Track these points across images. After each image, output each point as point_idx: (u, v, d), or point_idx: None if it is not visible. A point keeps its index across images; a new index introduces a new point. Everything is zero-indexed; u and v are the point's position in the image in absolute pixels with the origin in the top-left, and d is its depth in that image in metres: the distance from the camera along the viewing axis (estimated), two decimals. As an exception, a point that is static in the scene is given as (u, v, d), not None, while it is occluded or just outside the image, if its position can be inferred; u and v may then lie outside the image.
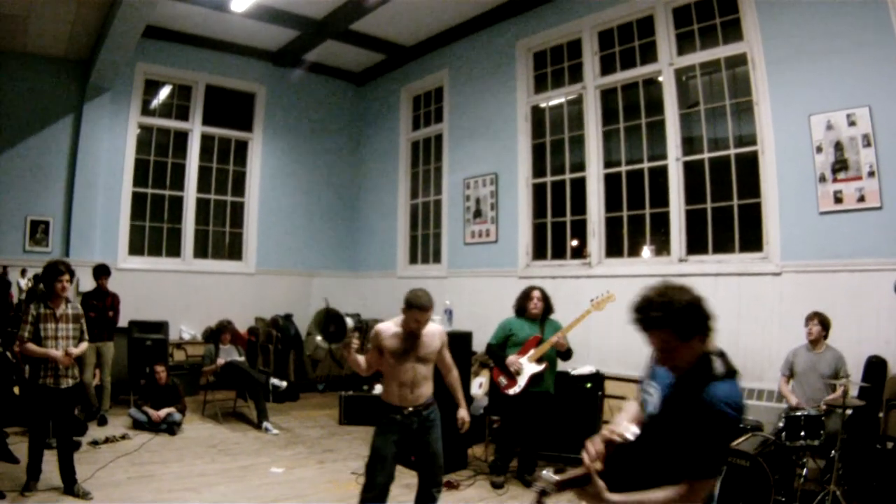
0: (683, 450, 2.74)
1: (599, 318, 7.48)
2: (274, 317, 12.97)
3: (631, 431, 2.96)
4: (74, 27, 10.33)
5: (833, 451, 5.88)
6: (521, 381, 7.27)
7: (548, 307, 7.64)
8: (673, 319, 2.78)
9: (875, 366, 6.60)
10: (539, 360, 7.29)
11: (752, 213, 8.16)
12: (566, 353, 7.45)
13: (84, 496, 6.31)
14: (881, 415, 6.48)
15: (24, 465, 6.41)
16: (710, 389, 2.74)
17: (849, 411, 5.93)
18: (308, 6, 11.31)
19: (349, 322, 5.89)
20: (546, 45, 10.87)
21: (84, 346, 6.66)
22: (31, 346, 6.20)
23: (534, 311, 7.53)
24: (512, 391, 7.30)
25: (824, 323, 6.72)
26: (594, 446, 2.98)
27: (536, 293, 7.61)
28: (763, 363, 7.65)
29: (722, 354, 2.88)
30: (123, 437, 8.51)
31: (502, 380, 7.42)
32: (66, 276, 6.43)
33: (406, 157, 13.89)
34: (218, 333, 10.37)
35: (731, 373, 2.82)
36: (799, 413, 6.13)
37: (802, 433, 6.00)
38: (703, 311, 2.81)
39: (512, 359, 7.35)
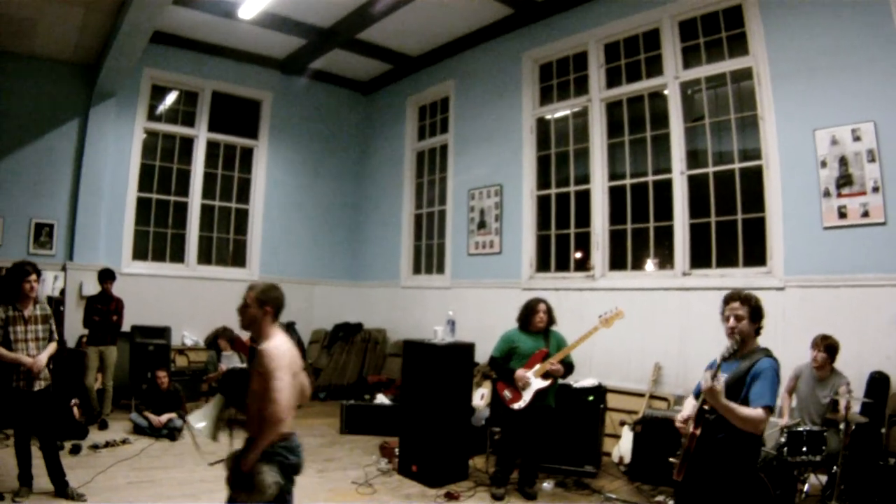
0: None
1: (602, 331, 7.43)
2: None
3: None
4: (82, 32, 10.36)
5: (835, 468, 5.85)
6: (527, 396, 7.15)
7: (551, 319, 7.55)
8: None
9: (877, 381, 6.58)
10: (545, 376, 7.19)
11: (755, 227, 8.15)
12: (567, 371, 7.36)
13: (78, 498, 6.31)
14: (884, 430, 6.45)
15: (16, 473, 6.37)
16: None
17: (852, 427, 5.90)
18: (315, 15, 11.33)
19: None
20: (552, 58, 10.89)
21: (53, 346, 6.55)
22: (1, 351, 6.12)
23: (539, 324, 7.42)
24: (517, 405, 7.18)
25: (830, 349, 6.57)
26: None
27: (542, 306, 7.47)
28: (766, 378, 7.63)
29: None
30: (124, 441, 8.50)
31: (507, 393, 7.29)
32: (34, 276, 6.36)
33: (411, 167, 13.90)
34: (215, 340, 10.37)
35: None
36: (801, 428, 6.11)
37: (804, 448, 5.98)
38: None
39: (521, 373, 7.20)
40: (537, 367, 7.20)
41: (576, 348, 7.33)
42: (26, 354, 6.23)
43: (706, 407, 4.10)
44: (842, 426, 5.86)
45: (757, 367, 4.10)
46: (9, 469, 6.69)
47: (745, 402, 4.00)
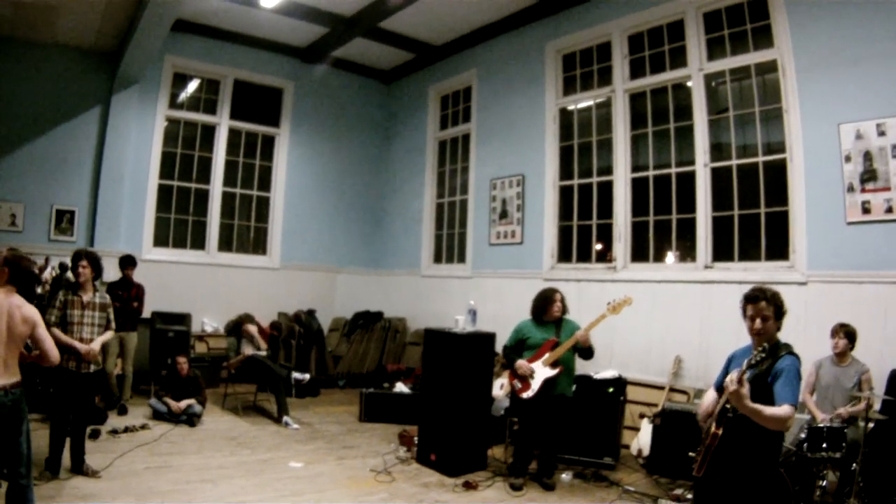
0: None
1: (622, 323, 7.41)
2: (297, 312, 13.01)
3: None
4: (104, 19, 10.40)
5: (854, 465, 5.82)
6: (535, 385, 7.16)
7: (564, 308, 7.53)
8: None
9: (899, 379, 6.52)
10: (554, 364, 7.19)
11: (779, 221, 8.08)
12: (587, 352, 7.33)
13: (92, 475, 6.44)
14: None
15: (44, 456, 6.40)
16: None
17: (871, 424, 5.86)
18: (337, 3, 11.34)
19: None
20: (575, 48, 10.83)
21: (109, 334, 6.80)
22: (57, 332, 6.22)
23: (556, 314, 7.40)
24: (525, 395, 7.20)
25: (850, 335, 6.62)
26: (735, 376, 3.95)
27: (558, 296, 7.45)
28: (787, 372, 7.57)
29: None
30: (143, 427, 8.55)
31: (517, 383, 7.33)
32: (84, 262, 6.68)
33: (433, 157, 13.89)
34: (238, 327, 10.40)
35: None
36: (822, 424, 6.07)
37: (824, 445, 5.93)
38: None
39: (520, 363, 7.25)
40: (546, 356, 7.20)
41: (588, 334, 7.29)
42: (80, 338, 6.44)
43: (728, 406, 4.04)
44: (861, 423, 5.82)
45: (778, 364, 4.04)
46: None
47: (768, 400, 3.94)
